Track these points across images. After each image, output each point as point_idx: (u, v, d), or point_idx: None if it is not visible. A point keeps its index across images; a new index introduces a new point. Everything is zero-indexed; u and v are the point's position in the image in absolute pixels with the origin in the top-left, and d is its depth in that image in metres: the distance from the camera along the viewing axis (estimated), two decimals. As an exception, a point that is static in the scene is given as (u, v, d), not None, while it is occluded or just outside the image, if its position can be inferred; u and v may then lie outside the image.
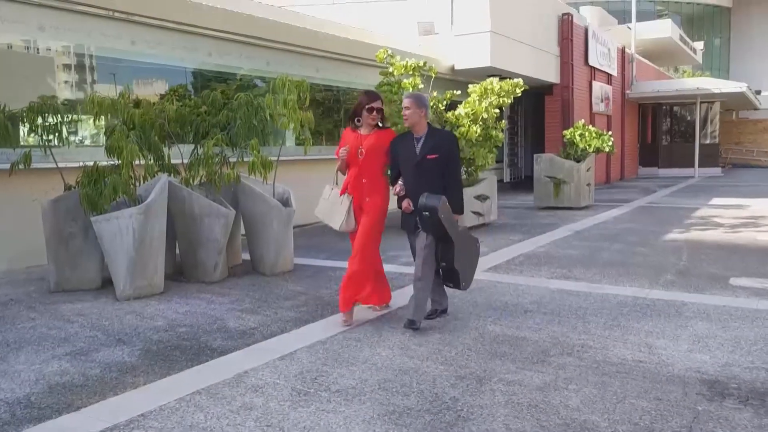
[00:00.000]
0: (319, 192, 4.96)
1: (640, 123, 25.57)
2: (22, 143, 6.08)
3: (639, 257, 7.20)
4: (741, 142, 32.37)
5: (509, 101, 9.22)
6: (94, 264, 6.04)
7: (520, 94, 9.35)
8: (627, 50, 23.31)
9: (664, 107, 25.63)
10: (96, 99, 5.43)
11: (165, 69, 8.74)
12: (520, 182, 20.54)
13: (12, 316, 5.14)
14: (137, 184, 6.00)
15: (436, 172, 4.48)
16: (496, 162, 15.97)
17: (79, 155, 7.00)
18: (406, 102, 4.55)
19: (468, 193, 9.66)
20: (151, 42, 8.31)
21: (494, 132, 9.13)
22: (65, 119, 5.84)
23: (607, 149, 12.02)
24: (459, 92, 9.33)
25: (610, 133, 12.39)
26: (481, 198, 10.14)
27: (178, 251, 6.66)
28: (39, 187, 6.90)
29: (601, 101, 20.13)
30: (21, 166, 5.82)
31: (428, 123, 4.65)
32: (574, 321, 4.69)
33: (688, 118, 25.50)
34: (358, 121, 4.76)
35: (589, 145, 12.08)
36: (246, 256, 7.34)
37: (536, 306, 5.14)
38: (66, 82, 7.90)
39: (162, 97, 6.62)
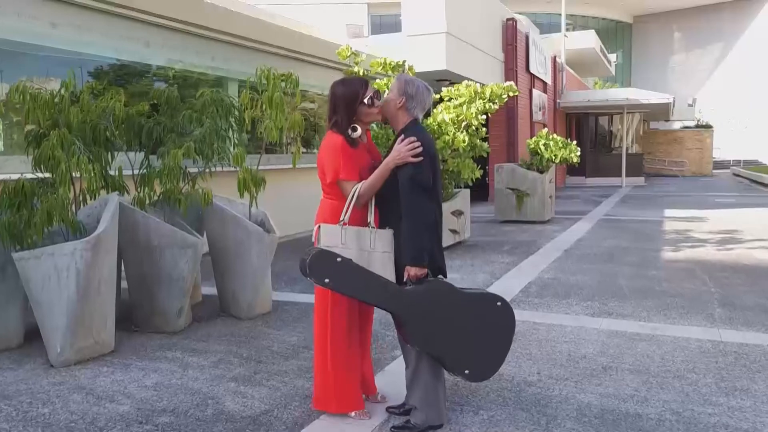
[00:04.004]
0: (289, 207, 3.43)
1: (566, 132, 25.64)
2: None
3: (661, 284, 6.40)
4: (653, 152, 33.37)
5: (496, 107, 8.29)
6: (12, 315, 4.48)
7: (506, 100, 8.45)
8: (558, 59, 23.26)
9: (590, 117, 25.86)
10: (28, 91, 3.88)
11: (87, 61, 7.13)
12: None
13: None
14: (77, 206, 4.50)
15: (391, 197, 2.98)
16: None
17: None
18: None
19: (444, 208, 8.64)
20: (78, 26, 6.70)
21: (479, 141, 8.15)
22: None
23: (574, 160, 11.37)
24: (438, 96, 8.29)
25: (575, 142, 11.77)
26: (456, 213, 9.17)
27: (123, 288, 5.19)
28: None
29: (539, 110, 19.78)
30: None
31: (414, 119, 3.09)
32: (675, 383, 3.71)
33: (613, 128, 25.86)
34: (354, 129, 3.06)
35: (555, 156, 11.38)
36: (206, 290, 5.95)
37: (609, 359, 4.13)
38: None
39: (96, 92, 5.08)
